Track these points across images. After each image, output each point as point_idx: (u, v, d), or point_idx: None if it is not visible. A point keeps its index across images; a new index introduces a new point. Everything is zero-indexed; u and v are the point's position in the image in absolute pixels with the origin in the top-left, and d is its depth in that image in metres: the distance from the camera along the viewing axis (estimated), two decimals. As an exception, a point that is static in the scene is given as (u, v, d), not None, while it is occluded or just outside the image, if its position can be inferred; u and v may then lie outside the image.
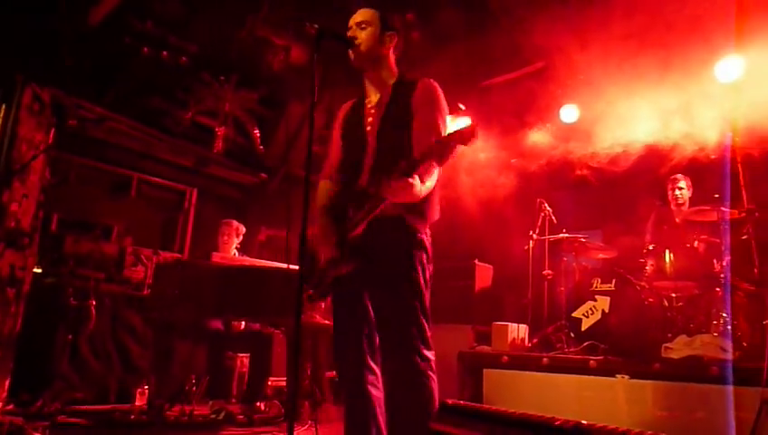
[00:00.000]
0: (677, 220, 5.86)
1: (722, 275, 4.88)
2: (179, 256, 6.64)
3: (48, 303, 5.11)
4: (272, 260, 5.60)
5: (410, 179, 2.52)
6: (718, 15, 5.08)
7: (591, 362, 4.81)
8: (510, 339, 5.81)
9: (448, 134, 2.43)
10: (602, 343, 5.19)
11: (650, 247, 5.48)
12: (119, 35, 6.21)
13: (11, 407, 4.53)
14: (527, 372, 5.13)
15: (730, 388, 3.98)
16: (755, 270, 4.64)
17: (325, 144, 3.39)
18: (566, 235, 6.24)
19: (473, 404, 2.74)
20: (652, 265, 5.39)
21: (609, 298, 5.48)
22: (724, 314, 4.70)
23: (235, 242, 6.19)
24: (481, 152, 6.98)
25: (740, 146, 4.85)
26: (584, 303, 5.64)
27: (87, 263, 5.31)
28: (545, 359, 5.12)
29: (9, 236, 4.82)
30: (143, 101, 6.84)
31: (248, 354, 5.70)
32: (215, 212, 7.44)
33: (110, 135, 6.56)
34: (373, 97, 3.04)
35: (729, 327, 4.61)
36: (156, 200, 7.25)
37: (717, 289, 4.86)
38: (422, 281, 2.79)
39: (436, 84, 2.96)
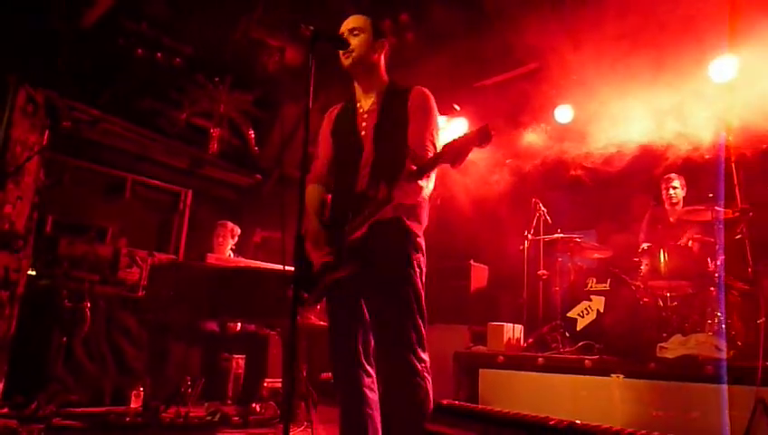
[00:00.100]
0: (672, 220, 5.88)
1: (716, 275, 4.90)
2: (174, 257, 6.63)
3: (42, 305, 5.09)
4: (267, 261, 5.59)
5: (421, 182, 2.58)
6: (712, 15, 5.10)
7: (587, 361, 4.82)
8: (505, 339, 5.81)
9: (464, 136, 2.44)
10: (597, 343, 5.20)
11: (645, 247, 5.49)
12: (113, 37, 6.21)
13: (5, 410, 4.51)
14: (523, 372, 5.13)
15: (725, 387, 3.99)
16: (749, 269, 4.65)
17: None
18: (561, 235, 6.25)
19: (467, 404, 2.74)
20: (647, 264, 5.40)
21: (604, 298, 5.50)
22: (719, 314, 4.71)
23: (230, 243, 6.18)
24: (476, 153, 6.97)
25: (734, 146, 4.86)
26: (579, 303, 5.66)
27: (81, 265, 5.30)
28: (541, 359, 5.12)
29: (3, 239, 4.81)
30: (137, 103, 6.84)
31: (244, 356, 5.69)
32: (209, 213, 7.43)
33: (104, 137, 6.56)
34: (364, 103, 3.06)
35: (723, 326, 4.62)
36: (150, 202, 7.24)
37: (711, 288, 4.88)
38: (419, 283, 2.83)
39: (428, 92, 2.99)
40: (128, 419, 4.72)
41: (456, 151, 2.43)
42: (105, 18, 5.90)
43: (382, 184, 2.62)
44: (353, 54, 2.94)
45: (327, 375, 5.88)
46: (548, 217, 6.58)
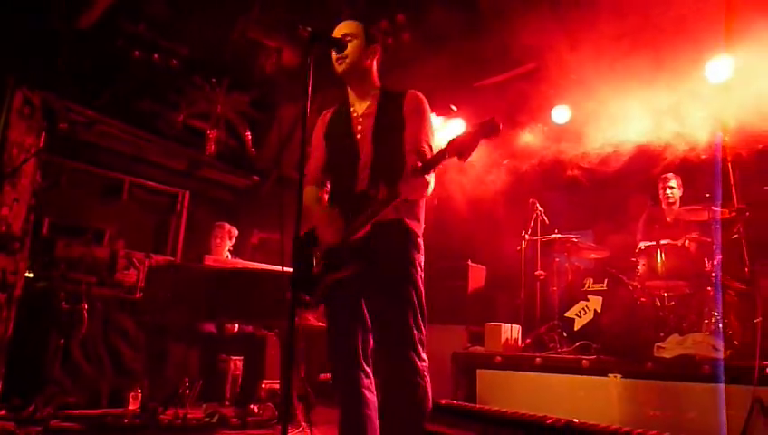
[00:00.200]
0: (669, 220, 5.89)
1: (713, 275, 4.91)
2: (172, 259, 6.62)
3: (40, 307, 5.08)
4: (265, 263, 5.59)
5: (427, 177, 2.63)
6: (708, 16, 5.11)
7: (584, 361, 4.83)
8: (503, 339, 5.81)
9: (470, 129, 2.47)
10: (595, 343, 5.21)
11: (642, 247, 5.50)
12: (110, 38, 6.20)
13: (3, 412, 4.50)
14: (520, 373, 5.13)
15: (721, 386, 4.00)
16: (746, 269, 4.67)
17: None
18: (558, 235, 6.26)
19: (465, 404, 2.75)
20: (644, 264, 5.41)
21: (601, 298, 5.51)
22: (716, 313, 4.72)
23: (228, 245, 6.17)
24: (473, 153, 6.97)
25: (730, 145, 4.88)
26: (577, 303, 5.67)
27: (79, 267, 5.29)
28: (538, 359, 5.13)
29: (0, 241, 4.80)
30: (134, 104, 6.82)
31: (241, 357, 5.69)
32: (207, 215, 7.42)
33: (101, 138, 6.55)
34: (358, 107, 3.10)
35: (720, 326, 4.63)
36: (148, 203, 7.22)
37: (709, 288, 4.89)
38: (421, 283, 2.87)
39: (422, 95, 3.04)
40: (126, 420, 4.72)
41: (462, 145, 2.47)
42: (103, 19, 5.88)
43: (382, 184, 2.68)
44: (347, 60, 2.99)
45: (325, 376, 5.88)
46: (545, 218, 6.59)
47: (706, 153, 5.57)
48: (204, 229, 6.55)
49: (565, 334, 5.63)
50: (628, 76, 5.58)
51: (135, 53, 6.40)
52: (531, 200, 6.63)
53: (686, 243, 5.35)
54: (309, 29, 2.70)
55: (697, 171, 5.69)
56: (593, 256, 6.42)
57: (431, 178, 2.74)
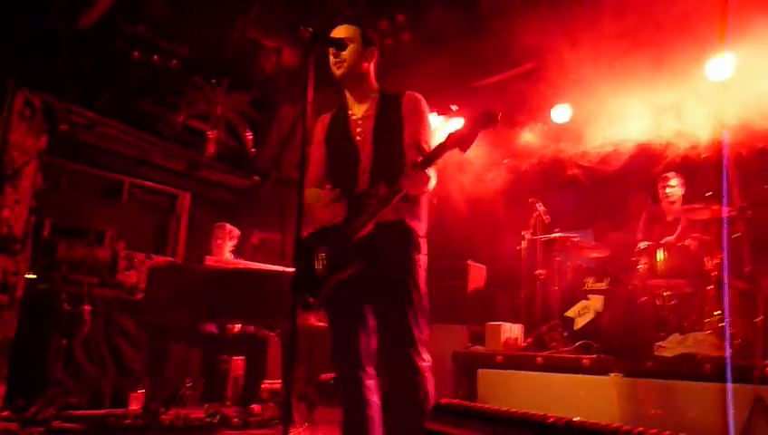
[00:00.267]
0: (669, 218, 5.88)
1: (713, 273, 4.90)
2: (173, 259, 6.62)
3: (41, 308, 5.09)
4: (265, 263, 5.59)
5: (428, 171, 2.66)
6: (708, 13, 5.09)
7: (585, 360, 4.83)
8: (504, 339, 5.81)
9: (468, 122, 2.51)
10: (596, 342, 5.20)
11: (642, 246, 5.50)
12: (109, 39, 6.20)
13: (6, 413, 4.52)
14: (521, 372, 5.13)
15: (723, 385, 4.00)
16: (747, 268, 4.66)
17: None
18: (559, 234, 6.25)
19: (466, 403, 2.75)
20: (644, 263, 5.41)
21: (602, 297, 5.50)
22: (717, 312, 4.72)
23: (229, 245, 6.17)
24: (473, 152, 6.98)
25: (731, 144, 4.87)
26: (577, 302, 5.66)
27: (80, 268, 5.30)
28: (539, 358, 5.13)
29: (1, 242, 4.81)
30: (134, 106, 6.82)
31: (243, 357, 5.69)
32: (207, 216, 7.42)
33: (101, 140, 6.55)
34: (357, 110, 3.11)
35: (723, 325, 4.62)
36: (148, 204, 7.24)
37: (709, 287, 4.88)
38: (422, 283, 2.89)
39: (420, 96, 3.06)
40: (127, 421, 4.73)
41: (461, 137, 2.50)
42: (103, 19, 5.88)
43: (381, 183, 2.71)
44: (344, 64, 3.00)
45: (327, 376, 5.89)
46: (545, 217, 6.58)
47: (707, 152, 5.55)
48: (204, 230, 6.55)
49: (566, 334, 5.62)
50: (628, 75, 5.57)
51: (135, 53, 6.40)
52: (531, 199, 6.62)
53: (687, 242, 5.35)
54: (310, 29, 2.70)
55: (698, 170, 5.67)
56: (594, 255, 6.42)
57: (433, 173, 2.76)
